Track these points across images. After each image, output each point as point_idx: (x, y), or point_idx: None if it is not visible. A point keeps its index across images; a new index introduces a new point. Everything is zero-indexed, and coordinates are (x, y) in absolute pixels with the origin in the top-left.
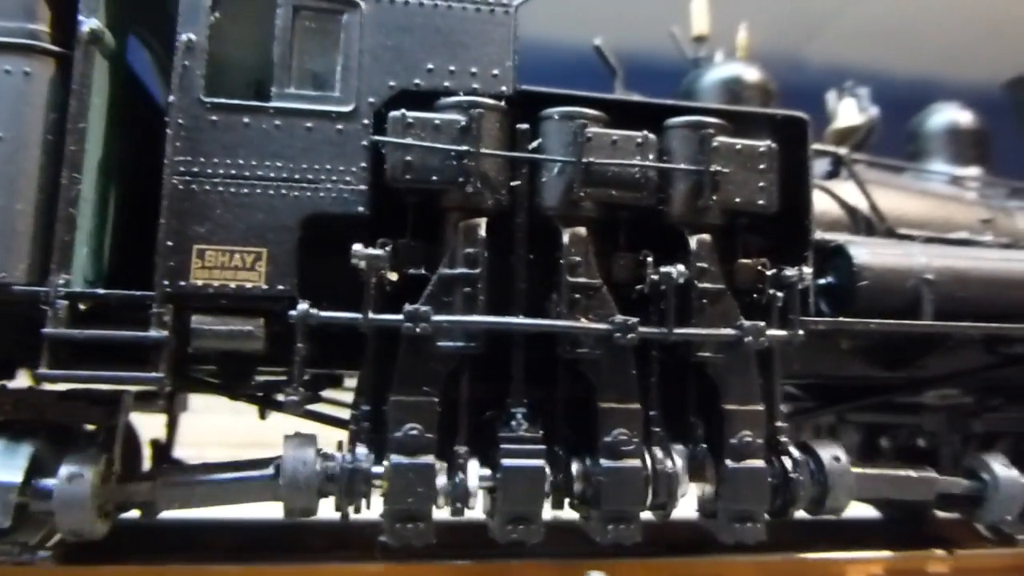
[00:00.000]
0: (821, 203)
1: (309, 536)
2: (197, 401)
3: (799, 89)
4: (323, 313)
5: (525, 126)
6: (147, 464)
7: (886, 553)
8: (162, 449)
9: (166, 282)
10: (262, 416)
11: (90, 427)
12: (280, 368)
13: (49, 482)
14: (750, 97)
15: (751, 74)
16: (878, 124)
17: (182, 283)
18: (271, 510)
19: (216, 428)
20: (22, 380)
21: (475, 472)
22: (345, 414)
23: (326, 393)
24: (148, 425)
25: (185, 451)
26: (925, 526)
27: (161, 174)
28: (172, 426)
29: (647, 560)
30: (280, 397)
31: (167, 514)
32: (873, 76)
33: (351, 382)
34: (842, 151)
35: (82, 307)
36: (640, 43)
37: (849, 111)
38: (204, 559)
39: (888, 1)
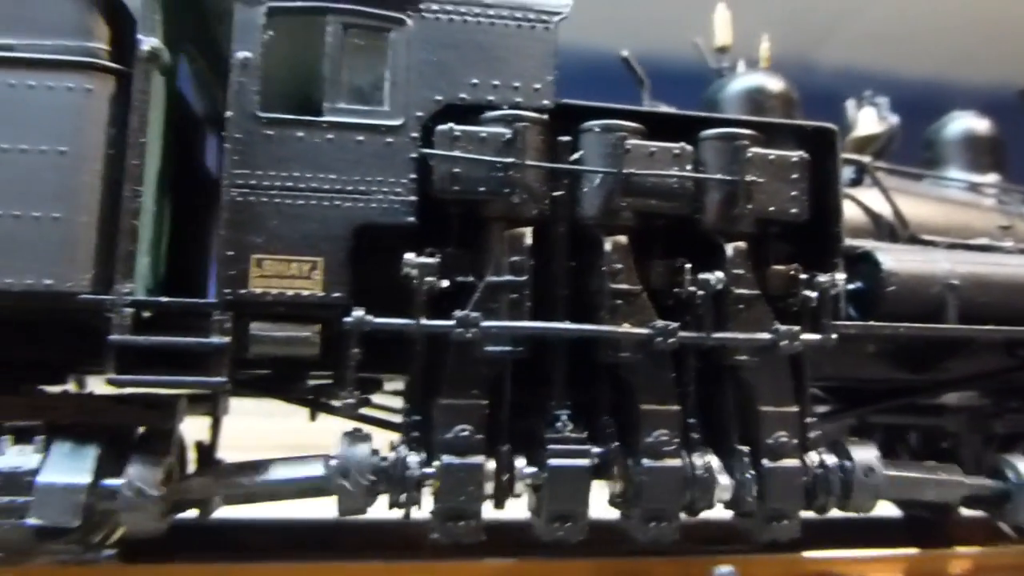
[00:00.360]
0: (846, 210)
1: (344, 535)
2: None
3: (811, 92)
4: (377, 319)
5: (566, 138)
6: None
7: (910, 551)
8: (206, 451)
9: (227, 290)
10: (312, 418)
11: (145, 430)
12: (326, 372)
13: (113, 482)
14: (773, 106)
15: (774, 83)
16: (898, 132)
17: (242, 291)
18: (302, 510)
19: (252, 431)
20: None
21: (523, 470)
22: (384, 416)
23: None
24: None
25: (222, 454)
26: (948, 525)
27: (200, 182)
28: (216, 428)
29: (675, 558)
30: (332, 401)
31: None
32: (884, 79)
33: (389, 386)
34: (866, 159)
35: (146, 314)
36: (652, 48)
37: (869, 120)
38: (250, 558)
39: (898, 5)
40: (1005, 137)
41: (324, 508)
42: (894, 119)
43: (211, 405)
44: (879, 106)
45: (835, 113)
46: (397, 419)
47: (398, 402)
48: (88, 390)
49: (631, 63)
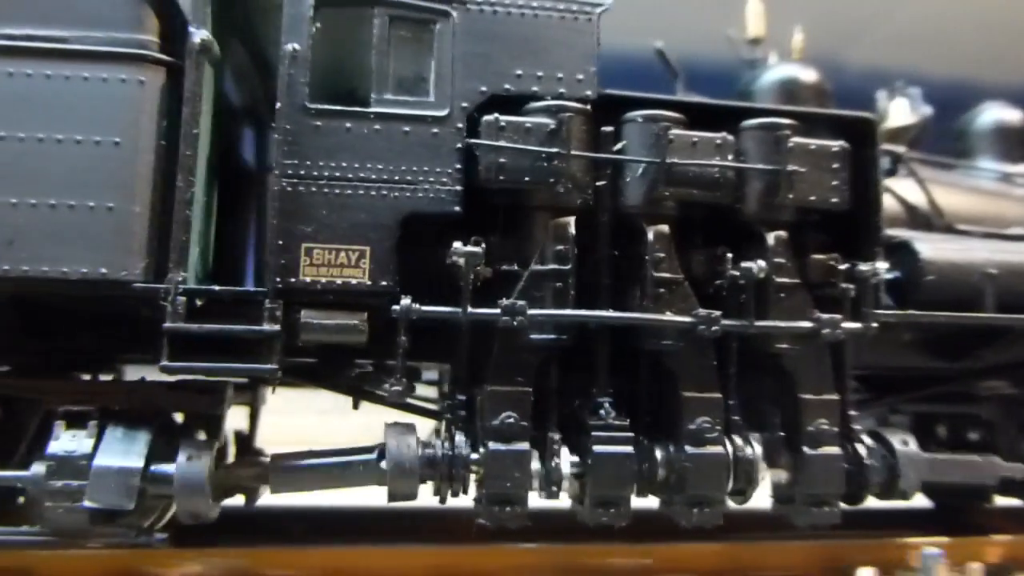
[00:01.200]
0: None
1: (384, 521)
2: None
3: (840, 91)
4: (424, 308)
5: (609, 128)
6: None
7: (943, 539)
8: (245, 440)
9: (278, 279)
10: (355, 406)
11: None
12: (369, 360)
13: (166, 467)
14: (807, 98)
15: (808, 75)
16: (930, 123)
17: (292, 280)
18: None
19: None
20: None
21: (567, 458)
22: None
23: None
24: None
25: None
26: (979, 513)
27: (237, 174)
28: (254, 418)
29: (712, 543)
30: (375, 389)
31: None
32: (912, 79)
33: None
34: (900, 150)
35: (198, 303)
36: (681, 46)
37: (901, 110)
38: (292, 543)
39: (926, 7)
40: None
41: (363, 496)
42: (927, 109)
43: (250, 395)
44: (912, 97)
45: (867, 110)
46: (433, 407)
47: (431, 391)
48: (141, 377)
49: (664, 55)
